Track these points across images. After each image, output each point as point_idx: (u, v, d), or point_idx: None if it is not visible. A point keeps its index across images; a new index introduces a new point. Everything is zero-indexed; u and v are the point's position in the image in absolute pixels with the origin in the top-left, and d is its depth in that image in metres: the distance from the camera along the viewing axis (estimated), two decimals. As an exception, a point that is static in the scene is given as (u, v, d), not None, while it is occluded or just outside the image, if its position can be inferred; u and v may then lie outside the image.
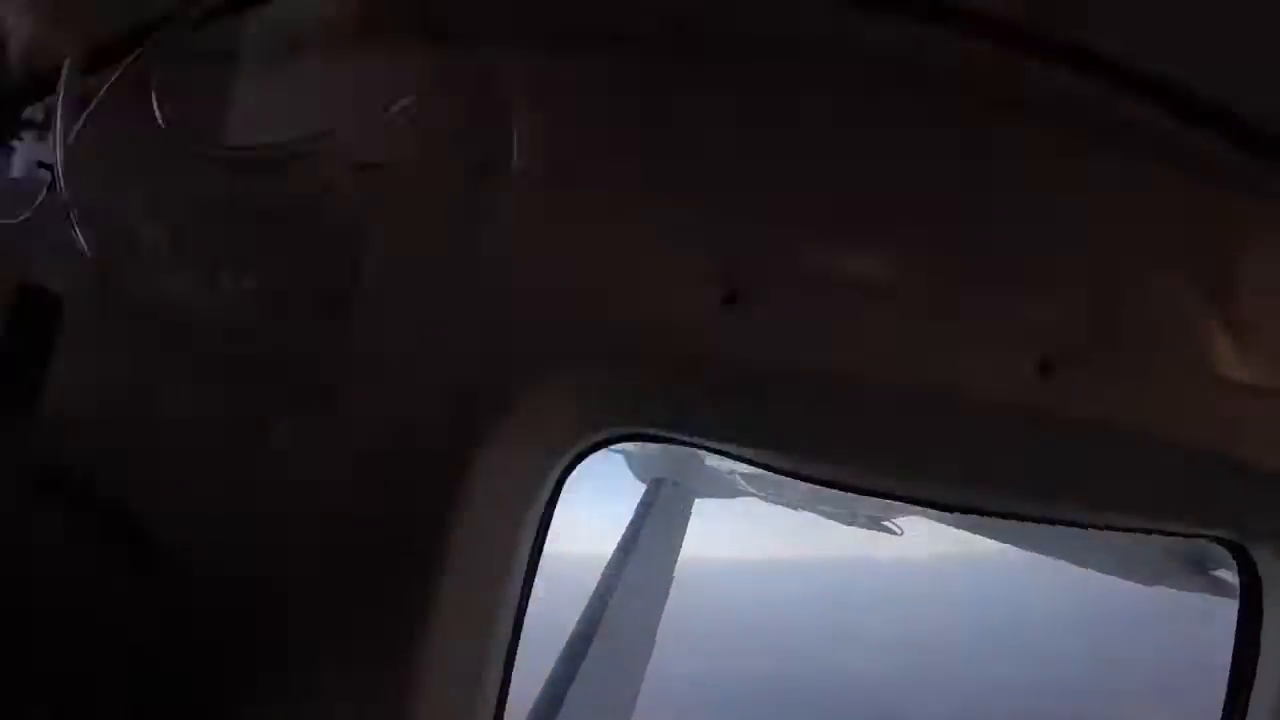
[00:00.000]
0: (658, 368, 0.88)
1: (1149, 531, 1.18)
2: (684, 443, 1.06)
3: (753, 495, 6.55)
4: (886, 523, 7.24)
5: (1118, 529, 1.21)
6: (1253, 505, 0.95)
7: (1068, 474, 0.97)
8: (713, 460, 4.97)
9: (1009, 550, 6.32)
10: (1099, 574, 5.43)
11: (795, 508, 7.04)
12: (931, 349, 0.86)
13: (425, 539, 0.83)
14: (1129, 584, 5.29)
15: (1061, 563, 5.72)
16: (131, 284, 0.91)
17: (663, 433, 1.00)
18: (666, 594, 5.08)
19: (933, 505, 1.13)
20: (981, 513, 1.05)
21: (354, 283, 0.86)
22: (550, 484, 0.93)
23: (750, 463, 1.10)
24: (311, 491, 0.85)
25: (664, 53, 0.87)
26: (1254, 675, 1.01)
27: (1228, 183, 0.91)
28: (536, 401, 0.85)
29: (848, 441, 0.96)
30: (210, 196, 0.89)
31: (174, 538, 0.78)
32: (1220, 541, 1.04)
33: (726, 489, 6.40)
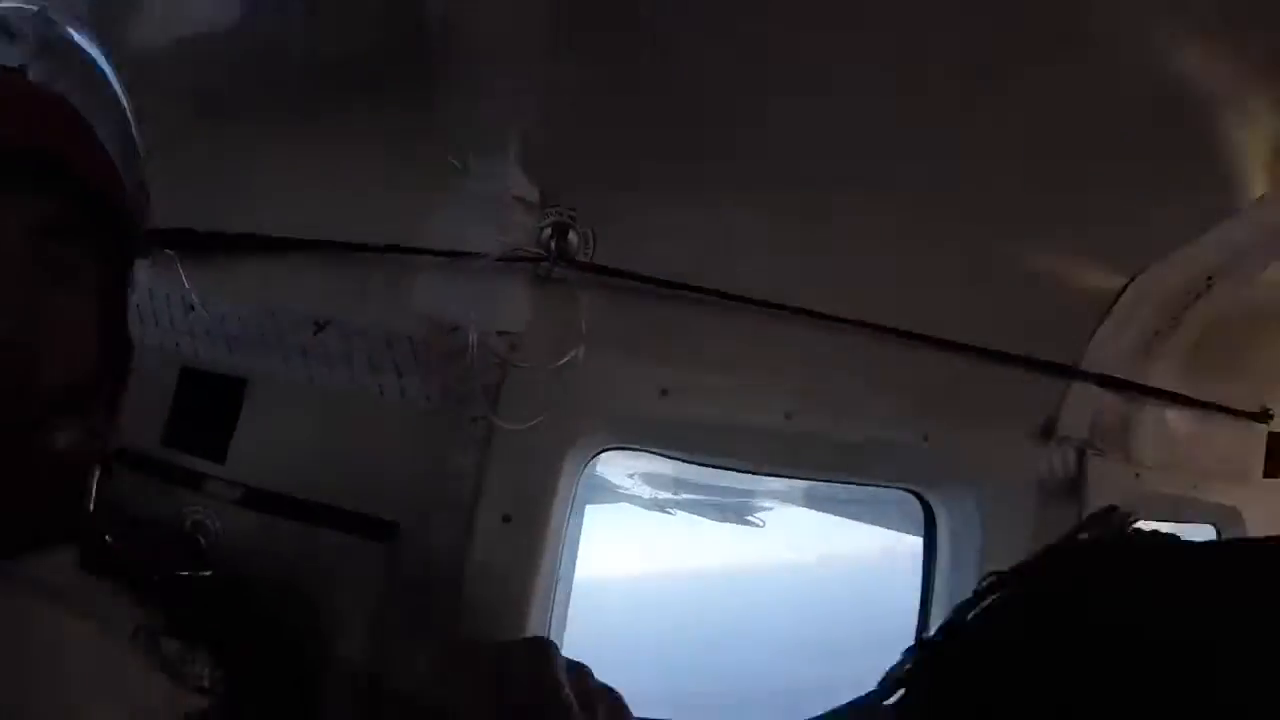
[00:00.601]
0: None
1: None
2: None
3: (629, 499, 6.58)
4: (750, 517, 7.45)
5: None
6: (925, 463, 1.23)
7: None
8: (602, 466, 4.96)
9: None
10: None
11: (664, 509, 7.14)
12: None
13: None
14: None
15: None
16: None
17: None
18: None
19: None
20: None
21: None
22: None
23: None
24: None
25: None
26: (932, 596, 1.31)
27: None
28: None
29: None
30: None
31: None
32: (909, 492, 1.32)
33: (608, 495, 6.40)
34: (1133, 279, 1.21)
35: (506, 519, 0.93)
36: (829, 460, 1.19)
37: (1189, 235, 1.17)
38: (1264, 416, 1.80)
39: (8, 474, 0.50)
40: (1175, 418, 1.54)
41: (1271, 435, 1.86)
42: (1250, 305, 1.45)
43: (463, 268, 0.90)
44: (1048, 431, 1.28)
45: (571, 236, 0.93)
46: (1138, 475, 1.47)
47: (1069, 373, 1.25)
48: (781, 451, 1.14)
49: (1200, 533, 1.86)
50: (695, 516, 7.39)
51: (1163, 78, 0.93)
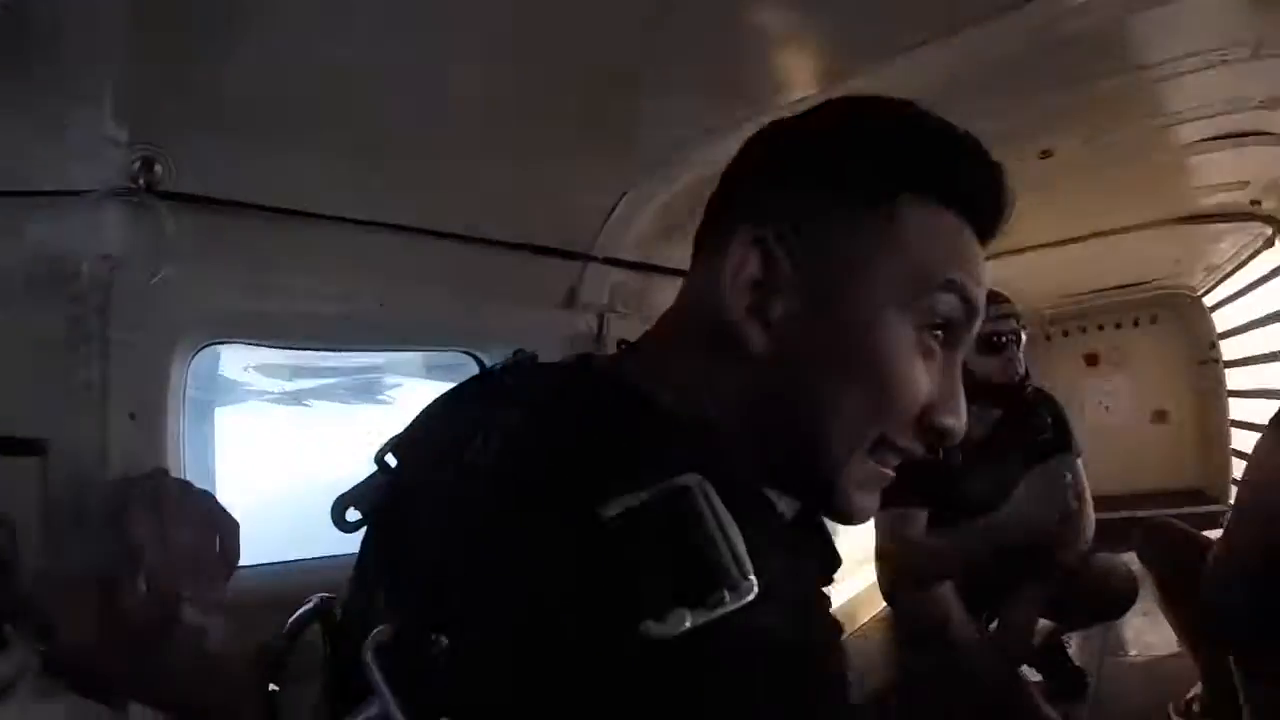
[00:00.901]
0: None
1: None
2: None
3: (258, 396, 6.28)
4: (381, 395, 7.48)
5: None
6: (477, 330, 1.70)
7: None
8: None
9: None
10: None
11: (301, 400, 6.78)
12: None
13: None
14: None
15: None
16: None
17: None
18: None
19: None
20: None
21: None
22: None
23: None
24: None
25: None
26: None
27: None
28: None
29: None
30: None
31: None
32: (470, 355, 1.80)
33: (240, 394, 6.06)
34: (624, 194, 1.76)
35: (132, 416, 1.11)
36: (408, 334, 1.60)
37: (662, 159, 1.66)
38: None
39: None
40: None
41: None
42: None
43: (66, 204, 1.05)
44: (570, 301, 1.85)
45: (158, 169, 1.10)
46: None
47: (583, 258, 1.81)
48: (367, 330, 1.52)
49: None
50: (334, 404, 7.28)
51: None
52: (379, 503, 0.62)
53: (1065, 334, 5.06)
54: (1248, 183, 2.38)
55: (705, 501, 0.44)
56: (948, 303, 0.56)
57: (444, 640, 0.44)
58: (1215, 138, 2.01)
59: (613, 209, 1.80)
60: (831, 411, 0.55)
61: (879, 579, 2.23)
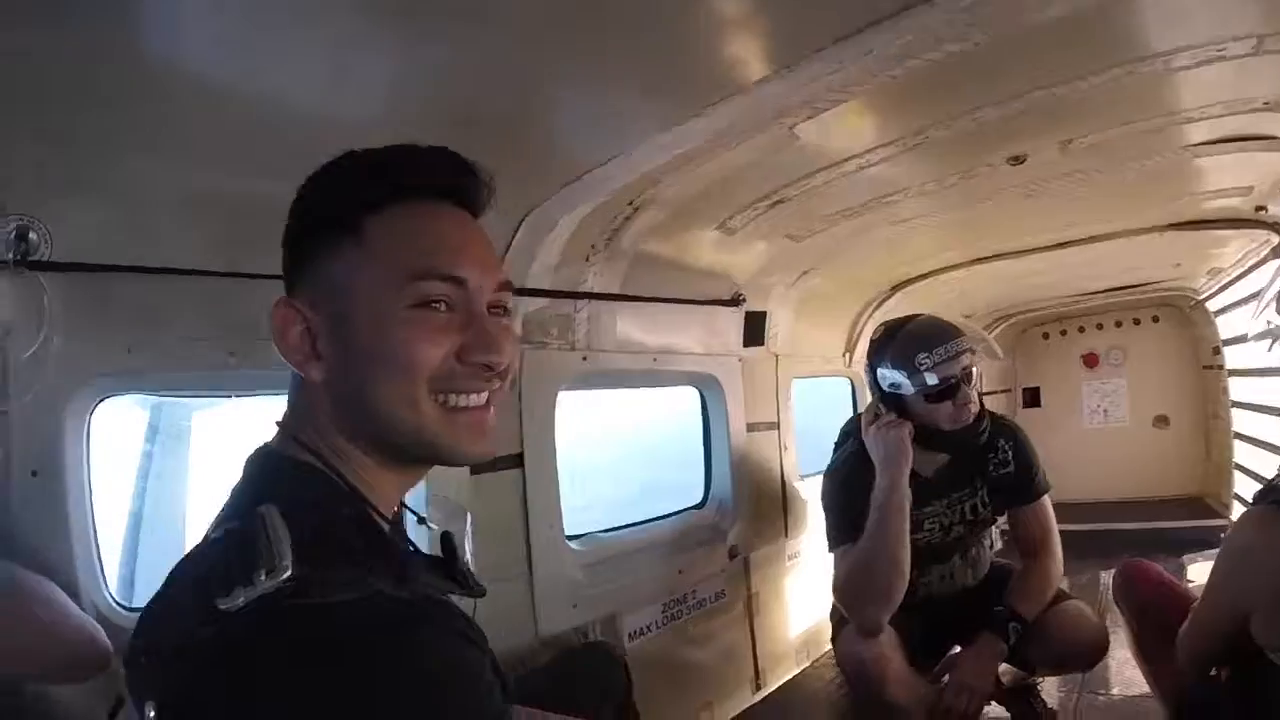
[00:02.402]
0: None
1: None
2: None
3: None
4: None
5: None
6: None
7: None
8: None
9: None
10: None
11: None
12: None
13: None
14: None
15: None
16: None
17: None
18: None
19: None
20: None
21: None
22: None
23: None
24: None
25: None
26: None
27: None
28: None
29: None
30: None
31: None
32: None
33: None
34: (522, 219, 1.57)
35: (34, 474, 1.17)
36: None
37: (551, 191, 1.52)
38: (734, 302, 2.38)
39: None
40: (621, 311, 2.03)
41: (749, 314, 2.46)
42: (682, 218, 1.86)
43: None
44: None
45: (32, 237, 1.13)
46: (584, 359, 1.94)
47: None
48: (249, 378, 1.38)
49: (688, 395, 2.50)
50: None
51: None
52: None
53: (1063, 333, 4.88)
54: (1252, 188, 2.15)
55: (264, 520, 0.62)
56: (428, 286, 0.70)
57: None
58: (1218, 140, 1.78)
59: (511, 237, 1.60)
60: (374, 384, 0.71)
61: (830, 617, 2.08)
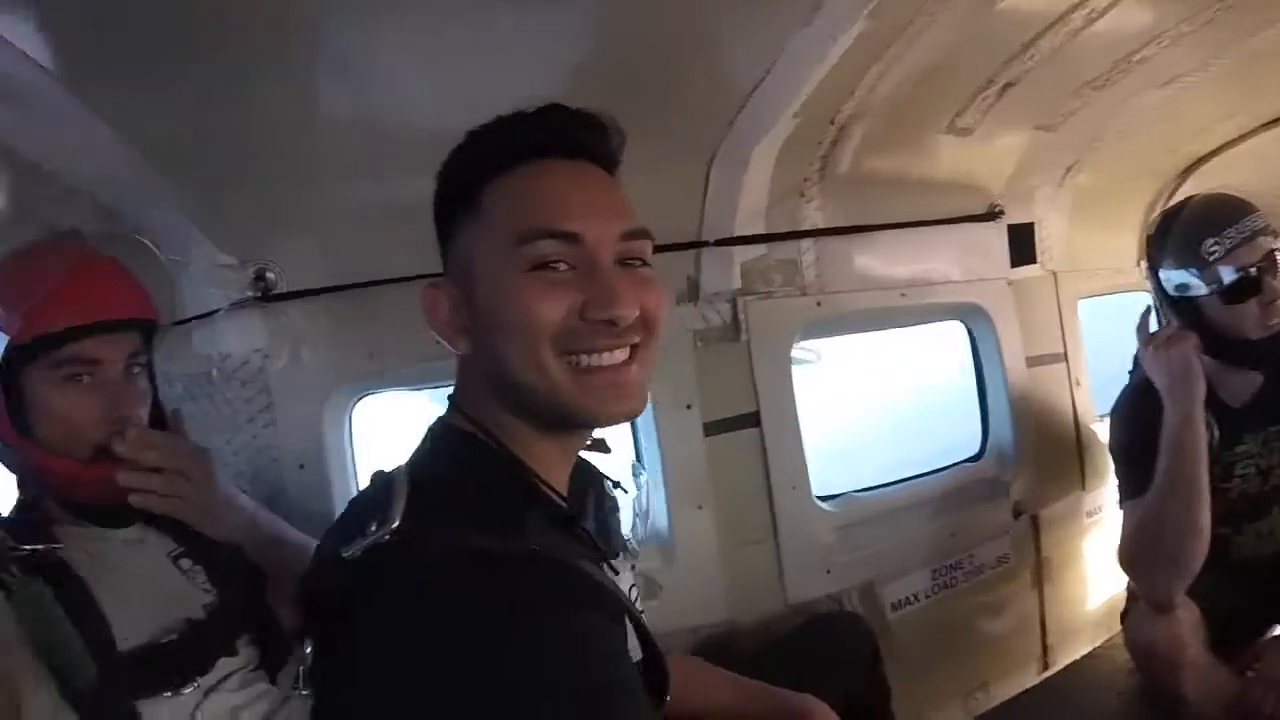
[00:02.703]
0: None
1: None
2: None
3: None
4: None
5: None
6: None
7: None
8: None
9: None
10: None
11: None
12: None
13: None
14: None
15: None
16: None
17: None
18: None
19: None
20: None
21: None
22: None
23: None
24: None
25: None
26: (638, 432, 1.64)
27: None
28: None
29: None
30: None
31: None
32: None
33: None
34: (709, 167, 1.47)
35: (301, 466, 1.42)
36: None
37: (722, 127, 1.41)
38: (992, 215, 1.99)
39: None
40: (854, 244, 1.80)
41: (1013, 228, 2.05)
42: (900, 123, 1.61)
43: (218, 318, 1.38)
44: (693, 294, 1.56)
45: (269, 275, 1.38)
46: (818, 303, 1.75)
47: (695, 245, 1.52)
48: None
49: (953, 329, 2.19)
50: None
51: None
52: None
53: None
54: None
55: (393, 480, 0.69)
56: (539, 247, 0.69)
57: None
58: None
59: (706, 184, 1.50)
60: (505, 352, 0.70)
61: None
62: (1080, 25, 1.38)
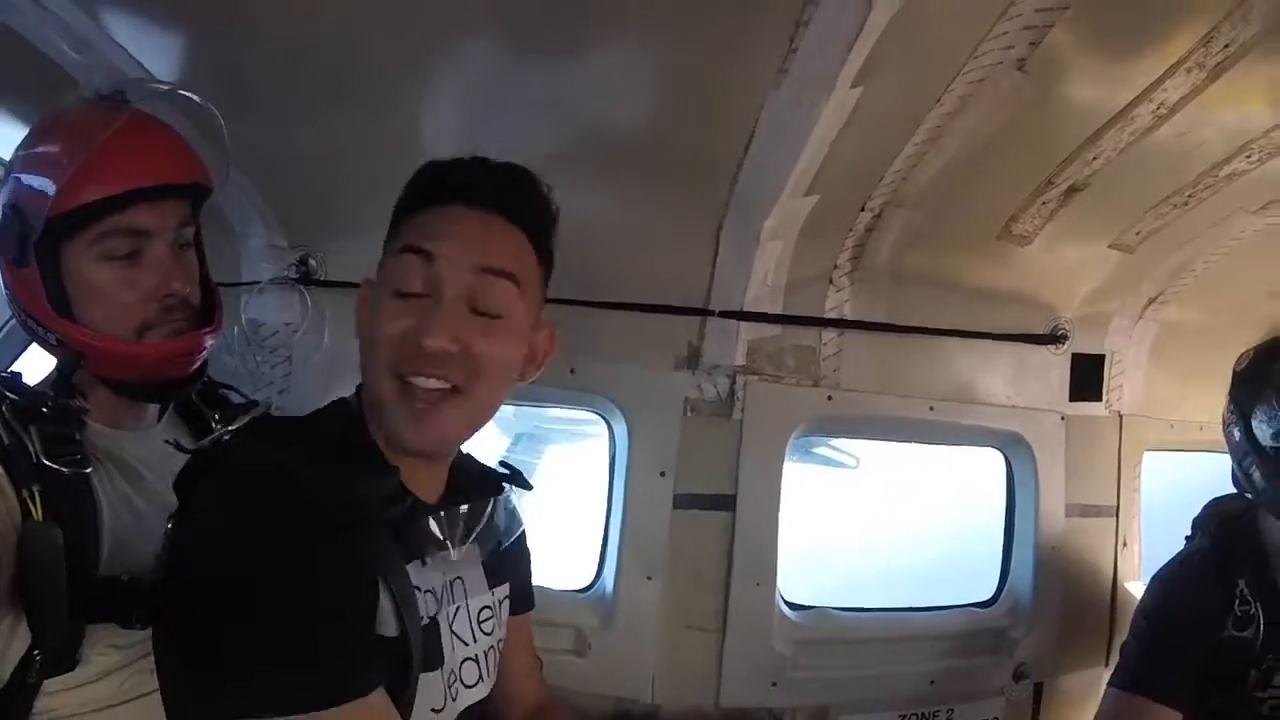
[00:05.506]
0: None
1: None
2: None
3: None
4: None
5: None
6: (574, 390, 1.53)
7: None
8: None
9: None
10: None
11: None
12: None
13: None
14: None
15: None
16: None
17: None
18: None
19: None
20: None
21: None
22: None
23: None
24: None
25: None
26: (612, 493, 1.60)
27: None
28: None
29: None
30: None
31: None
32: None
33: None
34: (717, 239, 1.43)
35: None
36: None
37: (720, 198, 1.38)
38: (1055, 338, 1.80)
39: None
40: (884, 343, 1.69)
41: (1078, 357, 1.85)
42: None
43: (266, 289, 1.55)
44: (692, 362, 1.52)
45: (311, 263, 1.56)
46: (829, 397, 1.65)
47: (700, 312, 1.47)
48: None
49: (990, 457, 2.00)
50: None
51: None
52: None
53: None
54: None
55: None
56: (401, 261, 0.77)
57: None
58: None
59: (714, 254, 1.46)
60: (363, 362, 0.79)
61: None
62: (1149, 124, 1.24)
